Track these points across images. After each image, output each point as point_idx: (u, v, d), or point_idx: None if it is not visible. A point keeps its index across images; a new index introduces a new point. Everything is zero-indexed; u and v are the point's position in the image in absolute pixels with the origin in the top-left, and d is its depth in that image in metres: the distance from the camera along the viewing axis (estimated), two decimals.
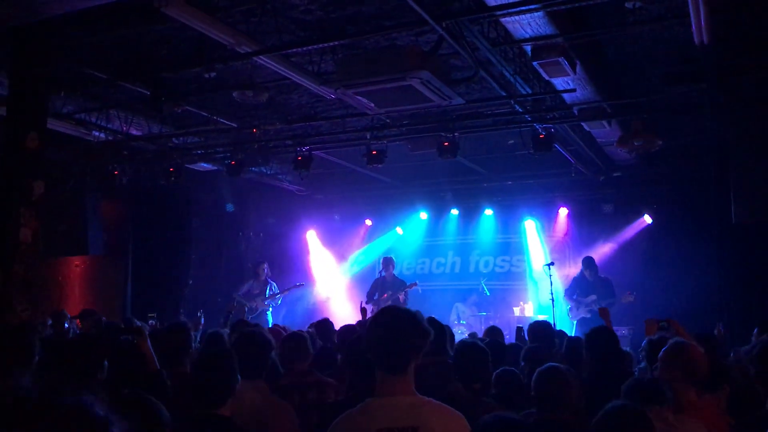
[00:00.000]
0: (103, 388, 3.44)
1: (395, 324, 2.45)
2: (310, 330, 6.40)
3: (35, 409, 1.03)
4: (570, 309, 10.68)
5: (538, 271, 13.09)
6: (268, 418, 3.52)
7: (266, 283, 11.86)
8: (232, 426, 2.99)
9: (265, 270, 11.97)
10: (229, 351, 3.50)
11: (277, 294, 11.93)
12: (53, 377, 3.75)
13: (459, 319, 12.98)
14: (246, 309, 11.46)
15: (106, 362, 3.55)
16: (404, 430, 2.33)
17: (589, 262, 10.82)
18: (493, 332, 6.57)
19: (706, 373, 3.85)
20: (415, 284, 11.75)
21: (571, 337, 5.85)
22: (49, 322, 7.72)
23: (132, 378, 3.67)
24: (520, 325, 7.51)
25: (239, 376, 3.38)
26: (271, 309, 11.82)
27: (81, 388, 3.23)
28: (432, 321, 4.56)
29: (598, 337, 4.83)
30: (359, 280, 14.81)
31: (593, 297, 10.39)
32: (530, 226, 13.86)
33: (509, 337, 11.07)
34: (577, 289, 10.72)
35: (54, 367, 3.75)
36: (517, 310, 13.12)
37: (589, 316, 10.28)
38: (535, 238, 13.82)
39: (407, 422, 2.34)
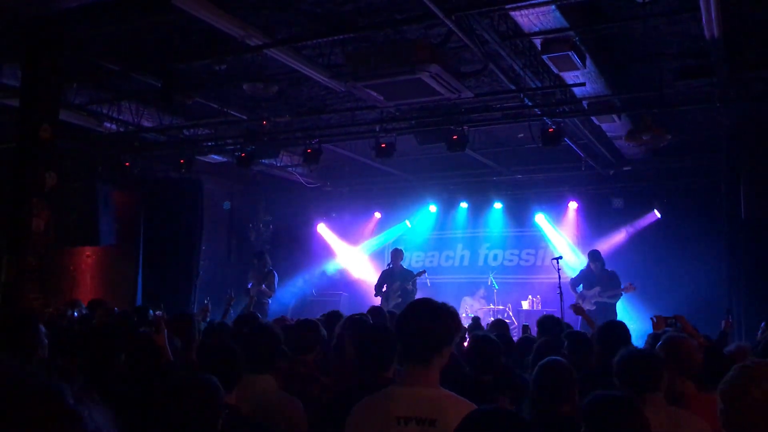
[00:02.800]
0: (118, 378, 3.49)
1: (426, 316, 2.50)
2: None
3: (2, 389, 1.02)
4: (575, 301, 10.66)
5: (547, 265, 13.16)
6: (276, 411, 3.54)
7: (263, 273, 11.81)
8: (237, 414, 3.03)
9: (265, 260, 11.98)
10: (232, 341, 3.54)
11: (253, 287, 11.84)
12: (64, 366, 3.81)
13: (467, 312, 13.01)
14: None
15: (122, 354, 3.59)
16: (422, 421, 2.36)
17: (595, 255, 10.81)
18: (499, 326, 6.59)
19: (700, 365, 3.88)
20: (423, 272, 11.72)
21: (573, 331, 5.86)
22: (69, 312, 7.78)
23: (146, 368, 3.71)
24: (527, 324, 7.54)
25: (248, 369, 3.42)
26: (267, 300, 11.79)
27: (94, 376, 3.29)
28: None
29: (610, 331, 4.85)
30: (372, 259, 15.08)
31: (597, 289, 10.40)
32: (543, 219, 13.85)
33: (516, 331, 11.12)
34: (583, 282, 10.72)
35: (68, 356, 3.80)
36: (525, 304, 13.13)
37: (593, 308, 10.27)
38: (550, 230, 13.82)
39: (426, 413, 2.37)
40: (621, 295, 10.29)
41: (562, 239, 13.67)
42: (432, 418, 2.36)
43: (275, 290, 11.81)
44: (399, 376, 2.54)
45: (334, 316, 6.21)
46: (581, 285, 10.77)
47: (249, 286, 11.68)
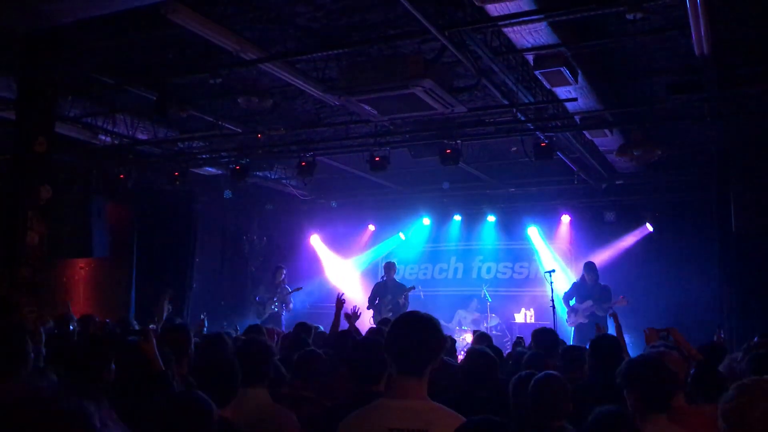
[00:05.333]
0: (110, 389, 3.49)
1: (421, 328, 2.54)
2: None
3: (33, 412, 1.06)
4: (567, 315, 10.66)
5: (540, 278, 13.22)
6: (270, 424, 3.55)
7: (279, 287, 12.06)
8: (232, 428, 3.04)
9: (283, 275, 12.26)
10: (229, 354, 3.55)
11: (276, 299, 12.09)
12: (58, 378, 3.81)
13: (461, 325, 13.03)
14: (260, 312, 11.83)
15: (113, 365, 3.60)
16: None
17: (590, 267, 10.80)
18: (484, 339, 6.57)
19: (683, 377, 3.90)
20: (414, 287, 11.80)
21: (568, 345, 5.89)
22: (50, 323, 7.75)
23: (137, 378, 3.72)
24: (521, 336, 7.56)
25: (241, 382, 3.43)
26: (284, 313, 12.01)
27: (87, 389, 3.30)
28: None
29: (603, 344, 4.87)
30: (364, 276, 15.02)
31: (589, 302, 10.39)
32: (535, 233, 13.91)
33: (510, 343, 11.13)
34: (576, 294, 10.70)
35: (60, 367, 3.80)
36: (518, 317, 13.16)
37: (586, 321, 10.27)
38: (541, 244, 13.87)
39: (418, 425, 2.41)
40: (612, 308, 10.30)
41: (550, 254, 13.72)
42: (423, 429, 2.40)
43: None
44: (390, 388, 2.56)
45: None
46: (574, 298, 10.77)
47: (257, 299, 11.85)
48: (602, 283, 10.77)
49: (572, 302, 10.77)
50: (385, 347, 2.61)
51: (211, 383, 3.05)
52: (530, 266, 14.23)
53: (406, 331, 2.54)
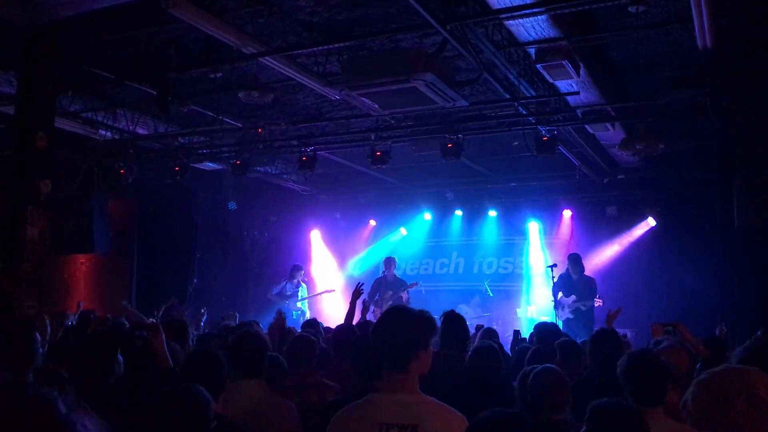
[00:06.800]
0: (120, 386, 3.47)
1: (398, 321, 2.56)
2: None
3: None
4: (555, 309, 10.48)
5: (538, 273, 13.20)
6: (268, 416, 3.54)
7: (299, 285, 12.15)
8: (223, 421, 3.02)
9: (303, 274, 12.52)
10: (213, 348, 3.54)
11: (305, 298, 12.35)
12: (57, 374, 3.79)
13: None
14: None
15: (120, 359, 3.58)
16: (404, 428, 2.40)
17: (575, 259, 10.54)
18: (490, 334, 6.54)
19: (686, 372, 3.88)
20: (416, 284, 11.77)
21: (565, 339, 5.85)
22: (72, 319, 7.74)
23: (146, 375, 3.70)
24: (517, 329, 7.52)
25: (235, 375, 3.41)
26: (300, 311, 12.19)
27: (93, 388, 3.27)
28: (447, 314, 4.72)
29: (603, 340, 4.85)
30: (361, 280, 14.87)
31: (573, 297, 10.25)
32: (533, 228, 13.87)
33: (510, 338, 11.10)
34: (562, 287, 10.50)
35: (61, 364, 3.78)
36: (520, 312, 13.14)
37: (572, 317, 10.15)
38: (536, 241, 13.83)
39: (408, 419, 2.41)
40: (593, 306, 10.14)
41: (541, 252, 13.70)
42: (414, 424, 2.40)
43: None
44: (379, 383, 2.56)
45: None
46: (560, 292, 10.58)
47: (274, 293, 11.94)
48: (587, 276, 10.61)
49: (559, 296, 10.60)
50: (371, 345, 2.62)
51: (199, 378, 3.03)
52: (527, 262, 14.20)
53: (387, 327, 2.56)
